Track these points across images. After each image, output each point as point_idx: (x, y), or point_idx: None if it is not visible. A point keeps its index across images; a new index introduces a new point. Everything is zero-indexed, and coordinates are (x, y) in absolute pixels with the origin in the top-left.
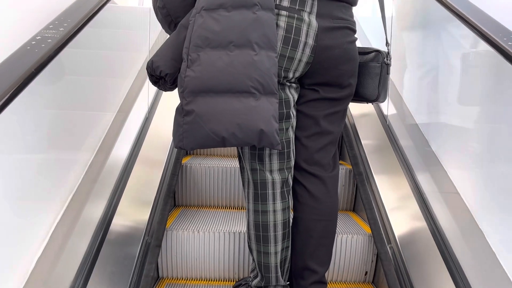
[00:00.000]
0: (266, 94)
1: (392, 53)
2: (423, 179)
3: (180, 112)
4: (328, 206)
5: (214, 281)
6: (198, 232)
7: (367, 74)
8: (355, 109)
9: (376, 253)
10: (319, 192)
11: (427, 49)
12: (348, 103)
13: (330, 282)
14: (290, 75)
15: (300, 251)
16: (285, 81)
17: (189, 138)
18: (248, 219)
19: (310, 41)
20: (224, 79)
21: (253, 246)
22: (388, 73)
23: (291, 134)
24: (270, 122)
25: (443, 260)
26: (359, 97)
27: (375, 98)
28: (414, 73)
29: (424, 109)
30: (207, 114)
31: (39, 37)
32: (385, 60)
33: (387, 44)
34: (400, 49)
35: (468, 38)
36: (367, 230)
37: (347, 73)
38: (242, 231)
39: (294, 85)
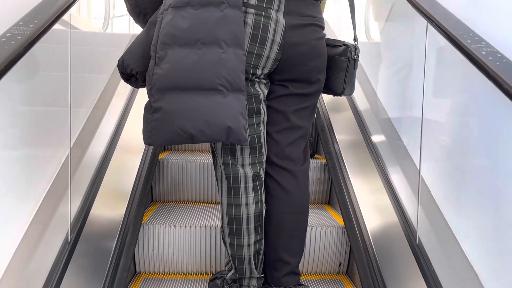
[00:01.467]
0: (233, 91)
1: (367, 49)
2: (394, 173)
3: (149, 109)
4: (298, 199)
5: (190, 275)
6: (175, 226)
7: (334, 68)
8: (331, 104)
9: (349, 245)
10: (290, 185)
11: (400, 46)
12: (318, 98)
13: (305, 274)
14: (259, 71)
15: (273, 243)
16: (254, 77)
17: (158, 134)
18: (221, 213)
19: (278, 38)
20: (192, 76)
21: (227, 239)
22: (355, 67)
23: (262, 129)
24: (237, 119)
25: (412, 252)
26: (326, 90)
27: (341, 91)
28: (387, 69)
29: (396, 104)
30: (175, 111)
31: (8, 34)
32: (352, 55)
33: (355, 39)
34: (375, 45)
35: (438, 36)
36: (341, 222)
37: (315, 69)
38: (218, 225)
39: (263, 80)
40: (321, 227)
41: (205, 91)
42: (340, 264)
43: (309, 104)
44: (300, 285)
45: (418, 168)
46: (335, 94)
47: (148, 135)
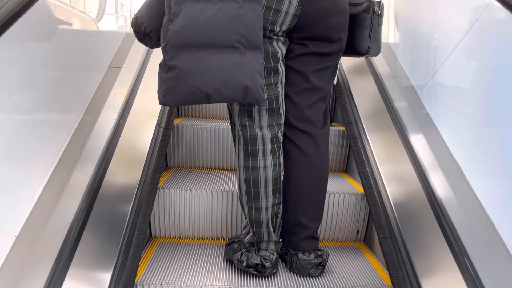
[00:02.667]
0: (251, 48)
1: (391, 16)
2: (416, 139)
3: (163, 67)
4: (318, 163)
5: (206, 239)
6: (191, 191)
7: (357, 26)
8: (350, 69)
9: (368, 211)
10: (309, 149)
11: (424, 8)
12: (339, 58)
13: (322, 240)
14: (277, 28)
15: (292, 208)
16: (272, 34)
17: (173, 94)
18: (239, 176)
19: None
20: (207, 33)
21: (245, 202)
22: (379, 24)
23: (280, 90)
24: (255, 77)
25: (436, 218)
26: (350, 50)
27: (366, 51)
28: (409, 34)
29: (419, 71)
30: (191, 70)
31: None
32: (376, 10)
33: None
34: (398, 10)
35: None
36: (359, 189)
37: (336, 26)
38: (234, 191)
39: (282, 38)
40: (340, 194)
41: (222, 48)
42: (358, 231)
43: (330, 65)
44: (319, 249)
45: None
46: (360, 54)
47: (163, 94)
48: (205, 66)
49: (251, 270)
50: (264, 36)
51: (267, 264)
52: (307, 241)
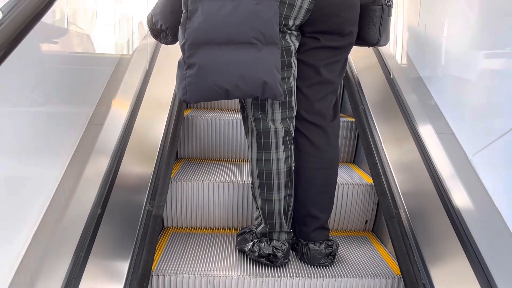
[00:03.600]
0: (268, 44)
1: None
2: (425, 131)
3: (182, 65)
4: (329, 155)
5: (218, 229)
6: (202, 182)
7: (367, 17)
8: (358, 61)
9: (376, 202)
10: (319, 141)
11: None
12: (349, 52)
13: (332, 230)
14: (291, 22)
15: (303, 199)
16: (285, 29)
17: (193, 91)
18: (251, 168)
19: None
20: (225, 30)
21: (257, 194)
22: (389, 15)
23: (293, 83)
24: (273, 73)
25: (444, 208)
26: (360, 41)
27: (376, 41)
28: (418, 26)
29: (428, 62)
30: (210, 66)
31: None
32: (386, 1)
33: None
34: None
35: None
36: (368, 180)
37: (348, 20)
38: (245, 182)
39: (295, 32)
40: (349, 185)
41: (239, 45)
42: (366, 221)
43: (341, 58)
44: (329, 240)
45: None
46: (369, 44)
47: (183, 91)
48: (224, 63)
49: (263, 260)
50: (279, 30)
51: (279, 254)
52: (318, 231)
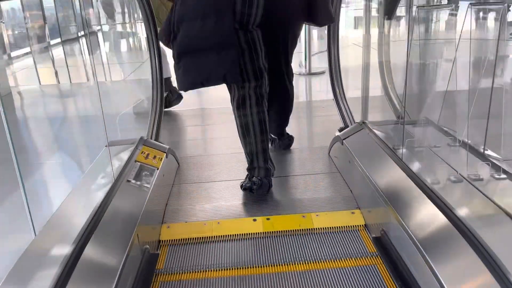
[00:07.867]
0: (226, 48)
1: None
2: None
3: (176, 68)
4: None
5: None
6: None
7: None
8: None
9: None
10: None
11: None
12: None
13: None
14: (250, 24)
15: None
16: (249, 27)
17: (182, 83)
18: (236, 123)
19: (261, 1)
20: (197, 42)
21: (241, 140)
22: None
23: (262, 64)
24: (230, 67)
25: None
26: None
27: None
28: None
29: None
30: (189, 68)
31: None
32: None
33: None
34: None
35: None
36: None
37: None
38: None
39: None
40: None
41: (207, 51)
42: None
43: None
44: (289, 136)
45: None
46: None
47: (177, 85)
48: (198, 64)
49: (247, 191)
50: (241, 28)
51: (254, 187)
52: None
